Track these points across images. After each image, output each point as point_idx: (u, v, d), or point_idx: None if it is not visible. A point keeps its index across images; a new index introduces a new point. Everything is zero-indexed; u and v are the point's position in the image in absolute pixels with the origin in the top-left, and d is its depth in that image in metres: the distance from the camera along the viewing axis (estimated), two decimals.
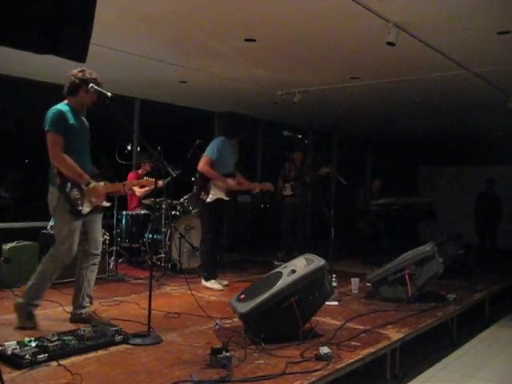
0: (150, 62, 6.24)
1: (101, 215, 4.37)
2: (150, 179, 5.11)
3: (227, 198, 6.09)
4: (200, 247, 6.25)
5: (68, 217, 3.98)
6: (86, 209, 4.04)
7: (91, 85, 4.01)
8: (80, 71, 4.07)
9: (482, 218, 10.11)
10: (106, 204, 4.32)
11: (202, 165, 5.99)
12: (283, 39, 5.37)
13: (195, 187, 6.41)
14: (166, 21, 4.88)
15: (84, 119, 4.28)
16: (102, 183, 4.20)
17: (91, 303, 4.36)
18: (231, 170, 6.17)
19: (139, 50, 5.81)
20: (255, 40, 5.37)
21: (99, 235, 4.37)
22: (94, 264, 4.34)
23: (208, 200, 5.94)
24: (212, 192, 5.94)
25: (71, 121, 4.03)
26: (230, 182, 6.01)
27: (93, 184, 4.05)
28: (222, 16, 4.72)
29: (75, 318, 4.27)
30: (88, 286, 4.30)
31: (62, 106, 4.06)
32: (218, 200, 5.98)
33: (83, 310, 4.24)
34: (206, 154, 6.03)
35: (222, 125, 6.38)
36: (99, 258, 4.43)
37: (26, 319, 4.01)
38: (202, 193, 5.99)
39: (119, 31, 5.16)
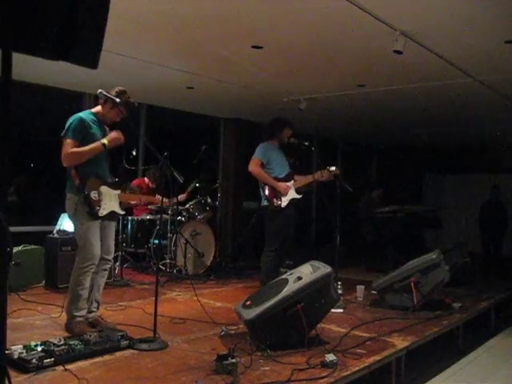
0: (157, 68, 6.27)
1: (115, 223, 4.42)
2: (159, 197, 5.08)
3: (299, 196, 5.87)
4: (263, 257, 5.93)
5: (87, 218, 4.04)
6: (102, 211, 4.10)
7: (100, 90, 4.03)
8: (117, 91, 4.18)
9: (488, 225, 10.07)
10: (121, 212, 4.37)
11: (252, 166, 5.80)
12: (290, 46, 5.38)
13: (264, 198, 5.86)
14: (173, 27, 4.91)
15: (107, 129, 4.32)
16: (118, 191, 4.29)
17: (98, 308, 4.36)
18: (288, 170, 5.96)
19: (146, 56, 5.84)
20: (262, 47, 5.38)
21: (112, 241, 4.39)
22: (105, 269, 4.35)
23: (283, 204, 5.71)
24: (284, 196, 5.74)
25: (92, 129, 4.10)
26: (282, 185, 5.75)
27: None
28: (229, 23, 4.74)
29: None
30: (97, 291, 4.31)
31: (85, 114, 4.15)
32: (291, 202, 5.78)
33: (90, 315, 4.24)
34: (254, 156, 5.87)
35: (264, 131, 6.17)
36: (110, 263, 4.47)
37: (82, 329, 3.99)
38: (274, 199, 5.73)
39: (127, 37, 5.19)
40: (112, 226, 4.35)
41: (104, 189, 4.15)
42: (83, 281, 4.07)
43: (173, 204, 6.93)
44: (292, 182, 5.88)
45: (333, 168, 5.82)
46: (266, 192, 5.79)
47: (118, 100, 4.10)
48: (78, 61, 1.97)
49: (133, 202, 4.49)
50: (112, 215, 4.26)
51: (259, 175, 5.81)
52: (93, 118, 4.17)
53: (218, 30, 4.95)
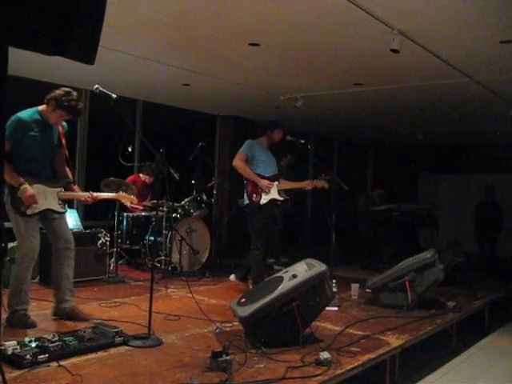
0: (153, 65, 6.25)
1: (62, 215, 4.40)
2: (127, 195, 5.01)
3: (281, 198, 5.87)
4: (250, 256, 5.94)
5: (16, 216, 4.07)
6: (30, 210, 4.08)
7: (96, 86, 4.02)
8: (60, 92, 4.15)
9: (482, 225, 10.10)
10: (60, 210, 4.32)
11: (236, 160, 5.82)
12: (287, 44, 5.38)
13: (245, 191, 5.89)
14: (170, 24, 4.89)
15: (56, 127, 4.30)
16: (57, 189, 4.27)
17: (72, 296, 4.42)
18: (275, 171, 5.99)
19: (143, 53, 5.83)
20: (259, 44, 5.38)
21: (68, 231, 4.44)
22: (70, 258, 4.39)
23: (262, 201, 5.73)
24: (264, 193, 5.76)
25: (32, 132, 4.11)
26: (265, 182, 5.76)
27: (23, 187, 4.02)
28: (226, 20, 4.73)
29: (59, 313, 4.34)
30: (67, 280, 4.37)
31: (28, 114, 4.15)
32: (272, 202, 5.80)
33: (66, 305, 4.30)
34: (239, 150, 5.90)
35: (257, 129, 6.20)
36: (73, 252, 4.46)
37: (24, 324, 4.08)
38: (254, 195, 5.75)
39: (123, 33, 5.17)
40: (61, 218, 4.35)
41: (38, 187, 4.12)
42: (24, 276, 4.14)
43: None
44: (276, 183, 5.90)
45: (321, 182, 5.89)
46: (248, 187, 5.82)
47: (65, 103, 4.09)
48: (74, 56, 1.97)
49: (83, 200, 4.44)
50: (50, 213, 4.26)
51: (242, 169, 5.82)
52: (37, 117, 4.16)
53: (215, 27, 4.95)
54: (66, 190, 4.36)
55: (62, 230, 4.37)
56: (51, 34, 1.87)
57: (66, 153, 4.41)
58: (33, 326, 4.07)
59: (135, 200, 5.07)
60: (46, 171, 4.28)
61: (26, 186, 4.00)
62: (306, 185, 6.01)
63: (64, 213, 4.38)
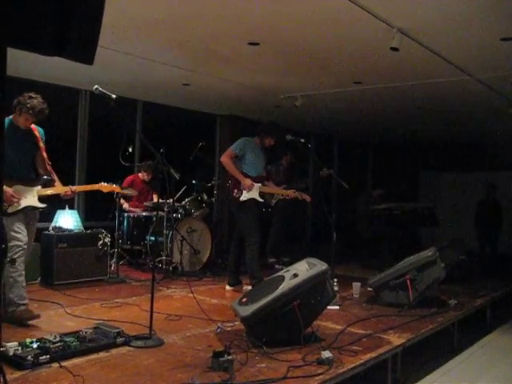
0: (153, 65, 6.25)
1: (35, 224, 4.57)
2: (108, 185, 5.12)
3: (261, 200, 5.93)
4: (247, 254, 5.89)
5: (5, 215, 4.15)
6: (11, 208, 4.23)
7: (96, 86, 4.01)
8: (24, 95, 4.30)
9: (483, 223, 10.09)
10: (40, 205, 4.48)
11: (223, 156, 5.93)
12: (287, 43, 5.38)
13: (228, 184, 6.01)
14: (169, 23, 4.89)
15: (30, 131, 4.46)
16: (36, 187, 4.44)
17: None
18: (261, 173, 6.06)
19: (142, 53, 5.82)
20: (259, 44, 5.37)
21: (30, 241, 4.52)
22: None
23: (242, 198, 5.79)
24: (246, 191, 5.82)
25: (7, 138, 4.18)
26: (247, 181, 5.81)
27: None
28: (225, 19, 4.73)
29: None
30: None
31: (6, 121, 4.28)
32: (252, 200, 5.85)
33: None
34: (230, 147, 6.01)
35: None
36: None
37: (27, 316, 4.16)
38: (236, 190, 5.82)
39: (123, 33, 5.17)
40: (31, 226, 4.48)
41: (16, 187, 4.30)
42: (18, 267, 4.20)
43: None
44: (259, 184, 5.95)
45: (305, 195, 6.04)
46: (231, 183, 5.91)
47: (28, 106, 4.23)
48: (73, 57, 1.96)
49: (63, 194, 4.62)
50: (31, 209, 4.42)
51: (227, 165, 5.90)
52: (10, 124, 4.33)
53: (215, 27, 4.94)
54: (46, 187, 4.54)
55: (30, 233, 4.47)
56: (50, 34, 1.87)
57: (45, 155, 4.55)
58: (37, 317, 4.21)
59: (118, 188, 5.24)
60: (25, 172, 4.48)
61: (5, 187, 4.12)
62: (289, 193, 6.26)
63: (44, 208, 4.55)
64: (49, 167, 4.58)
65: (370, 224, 9.00)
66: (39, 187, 4.49)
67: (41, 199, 4.47)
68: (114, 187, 5.13)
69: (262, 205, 6.11)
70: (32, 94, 4.30)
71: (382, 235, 8.66)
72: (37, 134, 4.54)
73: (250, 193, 5.84)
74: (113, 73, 6.63)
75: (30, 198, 4.42)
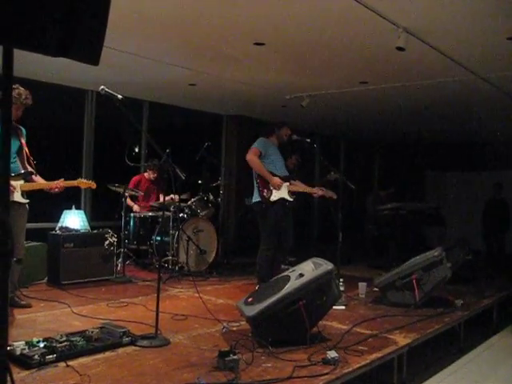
0: (159, 65, 6.27)
1: (21, 211, 4.65)
2: (86, 181, 5.23)
3: (291, 199, 5.81)
4: (258, 257, 5.82)
5: None
6: None
7: (102, 87, 4.03)
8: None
9: (490, 223, 10.06)
10: (23, 200, 4.62)
11: (249, 155, 5.73)
12: (292, 43, 5.38)
13: (256, 188, 5.79)
14: (175, 24, 4.90)
15: (15, 127, 4.60)
16: (19, 182, 4.59)
17: None
18: (285, 172, 5.95)
19: (149, 53, 5.84)
20: (264, 44, 5.38)
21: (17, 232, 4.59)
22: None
23: (272, 198, 5.66)
24: (275, 190, 5.70)
25: None
26: (276, 180, 5.68)
27: None
28: (231, 20, 4.74)
29: None
30: None
31: None
32: (282, 200, 5.74)
33: None
34: (253, 146, 5.81)
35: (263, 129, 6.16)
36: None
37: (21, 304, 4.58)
38: (265, 190, 5.68)
39: (129, 34, 5.19)
40: (17, 222, 4.53)
41: None
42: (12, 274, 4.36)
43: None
44: (288, 183, 5.84)
45: (330, 193, 5.91)
46: (259, 183, 5.75)
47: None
48: (79, 57, 1.96)
49: (47, 188, 4.76)
50: (16, 205, 4.50)
51: (256, 163, 5.72)
52: None
53: (221, 27, 4.95)
54: (27, 181, 4.68)
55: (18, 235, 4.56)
56: (55, 34, 1.87)
57: (27, 150, 4.71)
58: (29, 305, 4.50)
59: (94, 185, 5.27)
60: (13, 166, 4.52)
61: None
62: (316, 191, 5.99)
63: (26, 203, 4.67)
64: (32, 164, 4.72)
65: (376, 224, 8.98)
66: (21, 182, 4.60)
67: (23, 194, 4.60)
68: (91, 183, 5.21)
69: (292, 204, 6.01)
70: (13, 85, 4.37)
71: (388, 235, 8.65)
72: (20, 132, 4.68)
73: (280, 192, 5.72)
74: (119, 73, 6.65)
75: (15, 194, 4.53)
